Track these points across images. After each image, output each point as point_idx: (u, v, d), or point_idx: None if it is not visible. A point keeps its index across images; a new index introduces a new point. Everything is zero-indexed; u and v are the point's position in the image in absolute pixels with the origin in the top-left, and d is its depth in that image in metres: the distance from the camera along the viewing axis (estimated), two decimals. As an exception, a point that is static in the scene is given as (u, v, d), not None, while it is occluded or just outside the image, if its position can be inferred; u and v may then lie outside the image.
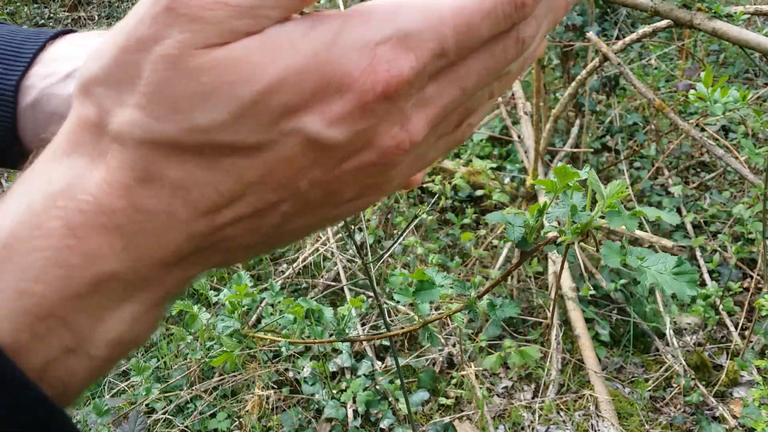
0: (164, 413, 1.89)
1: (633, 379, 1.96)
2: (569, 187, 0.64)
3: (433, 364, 2.04)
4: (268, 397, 1.90)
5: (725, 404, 1.82)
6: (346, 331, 1.13)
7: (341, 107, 0.22)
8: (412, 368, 2.03)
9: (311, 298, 2.23)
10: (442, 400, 1.92)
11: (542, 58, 2.11)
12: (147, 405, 1.92)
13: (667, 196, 2.46)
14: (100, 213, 0.22)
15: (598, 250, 0.65)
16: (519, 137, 2.59)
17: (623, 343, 2.04)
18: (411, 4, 0.23)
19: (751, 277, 2.07)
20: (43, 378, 0.23)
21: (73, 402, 0.25)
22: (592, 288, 2.07)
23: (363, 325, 2.16)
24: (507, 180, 2.56)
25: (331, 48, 0.22)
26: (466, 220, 2.42)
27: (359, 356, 2.07)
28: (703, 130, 2.28)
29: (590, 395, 1.85)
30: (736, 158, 1.59)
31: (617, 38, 2.42)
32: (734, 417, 1.76)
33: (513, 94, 2.57)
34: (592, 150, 2.56)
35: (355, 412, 1.89)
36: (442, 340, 2.09)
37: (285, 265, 2.47)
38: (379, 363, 2.03)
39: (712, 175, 2.57)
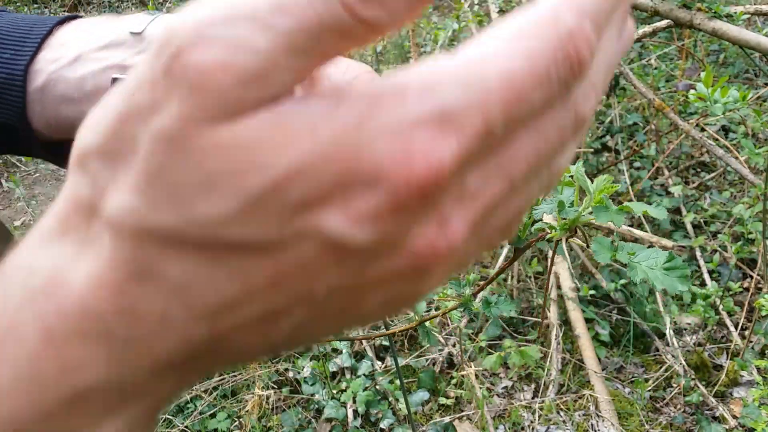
0: (164, 413, 1.89)
1: (633, 379, 1.96)
2: (560, 182, 0.64)
3: (433, 364, 2.04)
4: (268, 397, 1.90)
5: (725, 404, 1.82)
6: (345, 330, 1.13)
7: (368, 204, 0.18)
8: (412, 368, 2.03)
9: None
10: (442, 400, 1.92)
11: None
12: (147, 405, 1.92)
13: (667, 196, 2.46)
14: (83, 317, 0.19)
15: (588, 246, 0.65)
16: (519, 137, 2.59)
17: (623, 343, 2.04)
18: (452, 73, 0.19)
19: (751, 277, 2.07)
20: None
21: None
22: (592, 288, 2.07)
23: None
24: (507, 180, 2.56)
25: (359, 131, 0.18)
26: (466, 220, 2.42)
27: (359, 356, 2.07)
28: (703, 130, 2.28)
29: (590, 395, 1.85)
30: (736, 158, 1.59)
31: (617, 38, 2.41)
32: (734, 417, 1.76)
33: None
34: (592, 150, 2.56)
35: (355, 412, 1.89)
36: (442, 340, 2.09)
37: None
38: (379, 363, 2.03)
39: (712, 175, 2.57)
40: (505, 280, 2.20)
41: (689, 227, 2.33)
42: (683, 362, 1.91)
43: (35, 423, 0.19)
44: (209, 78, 0.17)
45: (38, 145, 0.45)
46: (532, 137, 0.20)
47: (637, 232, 2.26)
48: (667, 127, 2.61)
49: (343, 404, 1.89)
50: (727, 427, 1.75)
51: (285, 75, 0.18)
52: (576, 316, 2.00)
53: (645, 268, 0.61)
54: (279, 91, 0.18)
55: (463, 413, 1.88)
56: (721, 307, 1.99)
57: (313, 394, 1.95)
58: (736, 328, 2.00)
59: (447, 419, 1.86)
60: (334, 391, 1.94)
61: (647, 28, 1.46)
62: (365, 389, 1.91)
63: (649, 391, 1.91)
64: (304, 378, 1.99)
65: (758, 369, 1.81)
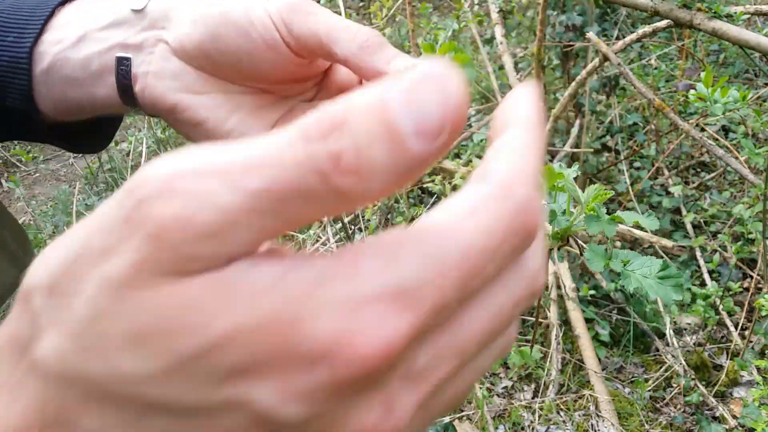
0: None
1: (633, 379, 1.96)
2: (555, 188, 0.64)
3: (433, 364, 2.04)
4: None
5: (725, 404, 1.82)
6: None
7: (306, 381, 0.17)
8: (412, 368, 2.04)
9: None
10: (442, 400, 1.92)
11: (542, 58, 2.11)
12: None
13: (667, 196, 2.46)
14: None
15: (581, 254, 0.64)
16: (519, 137, 2.59)
17: (623, 343, 2.04)
18: (408, 247, 0.18)
19: (751, 277, 2.07)
20: None
21: None
22: (592, 288, 2.07)
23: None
24: (507, 180, 2.56)
25: (305, 303, 0.17)
26: (466, 220, 2.42)
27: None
28: (703, 130, 2.29)
29: (590, 395, 1.85)
30: (736, 158, 1.59)
31: (617, 38, 2.42)
32: (734, 417, 1.76)
33: (513, 94, 2.56)
34: (592, 150, 2.56)
35: (355, 412, 1.89)
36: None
37: (285, 265, 2.47)
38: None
39: (712, 175, 2.57)
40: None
41: (689, 227, 2.33)
42: (683, 362, 1.91)
43: None
44: (166, 231, 0.17)
45: (44, 129, 0.45)
46: (486, 308, 0.20)
47: (637, 232, 2.26)
48: (667, 127, 2.61)
49: (343, 404, 1.89)
50: (727, 427, 1.75)
51: (245, 234, 0.17)
52: (576, 316, 2.00)
53: (639, 276, 0.61)
54: (237, 250, 0.18)
55: (463, 413, 1.88)
56: (721, 307, 1.99)
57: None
58: (736, 328, 2.00)
59: (447, 419, 1.87)
60: (334, 391, 1.94)
61: (647, 28, 1.46)
62: (365, 389, 1.91)
63: (649, 391, 1.91)
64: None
65: (758, 369, 1.81)
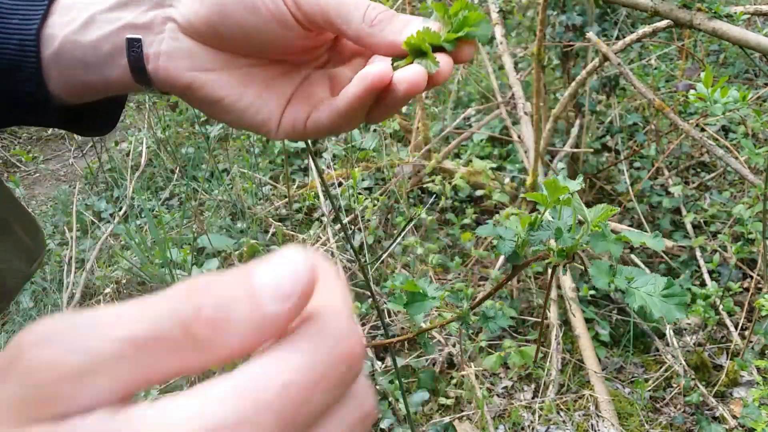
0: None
1: (633, 379, 1.96)
2: (559, 201, 0.63)
3: (433, 364, 2.04)
4: (268, 397, 1.90)
5: (725, 404, 1.82)
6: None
7: None
8: (412, 368, 2.03)
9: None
10: (442, 400, 1.92)
11: (542, 58, 2.11)
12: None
13: (667, 196, 2.46)
14: None
15: (585, 271, 0.64)
16: (519, 137, 2.59)
17: (623, 343, 2.04)
18: (227, 386, 0.19)
19: (751, 277, 2.06)
20: None
21: None
22: (592, 288, 2.07)
23: (363, 325, 2.16)
24: (507, 180, 2.56)
25: None
26: (466, 221, 2.42)
27: (359, 356, 2.07)
28: (703, 130, 2.28)
29: (590, 395, 1.85)
30: (736, 158, 1.59)
31: (617, 38, 2.42)
32: (734, 417, 1.76)
33: (513, 95, 2.57)
34: (592, 150, 2.56)
35: (355, 412, 1.89)
36: (442, 340, 2.09)
37: (285, 265, 2.46)
38: (380, 363, 2.03)
39: (712, 175, 2.57)
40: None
41: (689, 227, 2.32)
42: (683, 362, 1.91)
43: None
44: (36, 373, 0.18)
45: (54, 113, 0.45)
46: None
47: (637, 233, 2.26)
48: (667, 127, 2.61)
49: (343, 404, 1.89)
50: (727, 427, 1.75)
51: (109, 380, 0.19)
52: (576, 316, 2.00)
53: (643, 294, 0.61)
54: (101, 395, 0.19)
55: (463, 413, 1.88)
56: (721, 307, 1.99)
57: (313, 394, 1.95)
58: (736, 328, 2.00)
59: (447, 419, 1.86)
60: (334, 391, 1.93)
61: (647, 28, 1.46)
62: (365, 389, 1.91)
63: (649, 391, 1.91)
64: (304, 378, 1.99)
65: (758, 369, 1.81)
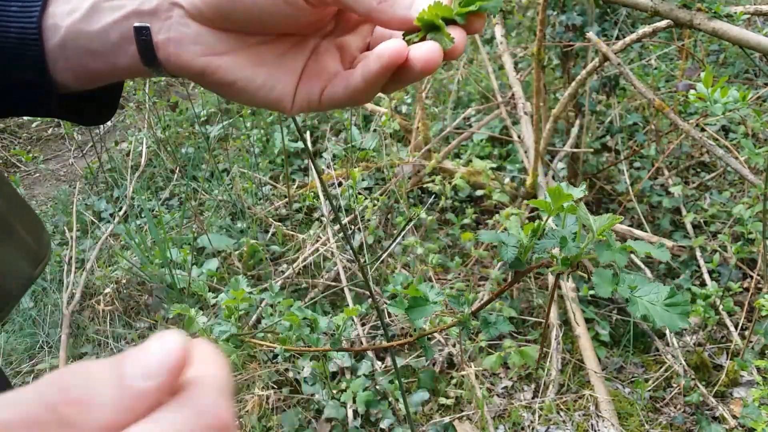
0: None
1: (633, 379, 1.96)
2: (563, 209, 0.63)
3: (433, 364, 2.04)
4: (268, 397, 1.90)
5: (725, 404, 1.82)
6: (345, 332, 1.13)
7: None
8: (412, 368, 2.03)
9: (311, 298, 2.23)
10: (442, 400, 1.92)
11: (542, 58, 2.10)
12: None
13: (667, 196, 2.46)
14: None
15: (589, 279, 0.64)
16: (519, 137, 2.59)
17: (623, 343, 2.04)
18: None
19: (751, 277, 2.06)
20: None
21: None
22: (592, 288, 2.07)
23: (363, 325, 2.16)
24: (507, 180, 2.56)
25: None
26: (466, 220, 2.42)
27: (359, 356, 2.07)
28: (703, 130, 2.28)
29: (590, 395, 1.85)
30: (736, 158, 1.59)
31: (617, 38, 2.42)
32: (734, 417, 1.76)
33: (513, 95, 2.57)
34: (592, 150, 2.56)
35: (355, 412, 1.89)
36: (442, 340, 2.09)
37: (285, 266, 2.47)
38: (379, 363, 2.03)
39: (712, 175, 2.57)
40: (505, 279, 2.20)
41: (689, 227, 2.32)
42: (683, 362, 1.91)
43: None
44: None
45: (56, 102, 0.45)
46: None
47: (638, 232, 2.26)
48: (667, 127, 2.61)
49: (343, 404, 1.89)
50: (727, 427, 1.75)
51: None
52: (576, 316, 2.00)
53: (646, 303, 0.61)
54: None
55: (463, 413, 1.88)
56: (721, 307, 1.99)
57: (313, 394, 1.95)
58: (736, 328, 2.00)
59: (447, 419, 1.86)
60: (334, 391, 1.93)
61: (647, 28, 1.46)
62: (365, 389, 1.91)
63: (649, 391, 1.91)
64: (304, 378, 1.99)
65: (758, 369, 1.81)
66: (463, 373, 1.91)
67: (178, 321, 2.24)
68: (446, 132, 2.78)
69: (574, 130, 2.57)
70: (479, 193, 2.51)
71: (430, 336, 2.05)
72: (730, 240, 2.14)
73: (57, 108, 0.46)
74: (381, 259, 2.27)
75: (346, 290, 2.22)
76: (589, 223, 0.61)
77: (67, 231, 2.78)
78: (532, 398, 1.92)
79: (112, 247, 2.64)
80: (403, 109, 3.22)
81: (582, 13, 2.28)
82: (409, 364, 2.04)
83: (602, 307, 2.15)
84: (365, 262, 2.04)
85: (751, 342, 1.92)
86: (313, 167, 2.80)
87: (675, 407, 1.88)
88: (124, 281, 2.46)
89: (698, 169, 2.68)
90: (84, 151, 3.55)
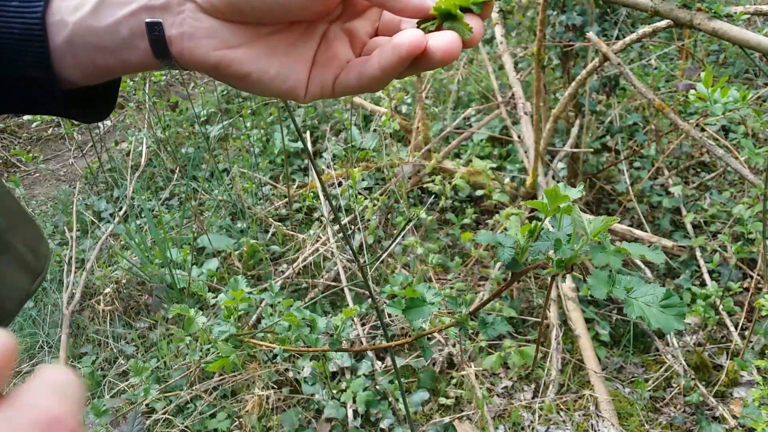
0: (164, 413, 1.89)
1: (633, 379, 1.96)
2: (560, 210, 0.63)
3: (433, 364, 2.04)
4: (268, 397, 1.90)
5: (725, 404, 1.82)
6: (345, 332, 1.13)
7: None
8: (412, 368, 2.03)
9: (311, 298, 2.23)
10: (442, 400, 1.92)
11: (542, 58, 2.10)
12: (147, 405, 1.92)
13: (667, 196, 2.46)
14: None
15: (584, 281, 0.64)
16: (519, 137, 2.59)
17: (623, 343, 2.04)
18: None
19: (751, 277, 2.06)
20: None
21: None
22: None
23: (363, 325, 2.16)
24: (507, 180, 2.56)
25: None
26: (466, 220, 2.42)
27: (359, 356, 2.07)
28: (703, 130, 2.28)
29: (590, 395, 1.85)
30: (736, 158, 1.59)
31: (617, 38, 2.42)
32: (734, 417, 1.76)
33: (513, 95, 2.57)
34: (592, 150, 2.56)
35: (355, 412, 1.89)
36: (442, 340, 2.09)
37: (285, 266, 2.47)
38: (379, 363, 2.03)
39: (712, 175, 2.57)
40: (505, 279, 2.20)
41: (689, 227, 2.32)
42: (683, 362, 1.91)
43: None
44: None
45: (61, 100, 0.44)
46: None
47: (637, 232, 2.26)
48: (667, 127, 2.61)
49: (343, 404, 1.89)
50: (727, 427, 1.75)
51: None
52: (576, 316, 2.00)
53: (642, 304, 0.61)
54: None
55: (463, 413, 1.88)
56: (721, 307, 1.99)
57: (313, 394, 1.95)
58: (736, 328, 2.00)
59: (447, 419, 1.86)
60: (334, 391, 1.93)
61: (647, 28, 1.46)
62: (365, 389, 1.91)
63: (649, 391, 1.91)
64: (304, 378, 1.99)
65: (758, 369, 1.81)
66: (463, 373, 1.91)
67: (177, 321, 2.24)
68: (446, 132, 2.78)
69: (574, 130, 2.57)
70: (479, 193, 2.51)
71: (429, 336, 2.05)
72: (730, 240, 2.14)
73: (58, 105, 0.45)
74: (381, 259, 2.27)
75: (346, 290, 2.22)
76: (583, 225, 0.61)
77: (67, 231, 2.79)
78: (532, 398, 1.92)
79: (112, 247, 2.65)
80: (403, 109, 3.22)
81: (582, 13, 2.28)
82: (409, 364, 2.04)
83: (602, 307, 2.15)
84: (365, 262, 2.04)
85: (751, 342, 1.92)
86: (312, 167, 2.80)
87: (675, 407, 1.88)
88: (124, 281, 2.46)
89: (698, 169, 2.68)
90: (84, 151, 3.55)
